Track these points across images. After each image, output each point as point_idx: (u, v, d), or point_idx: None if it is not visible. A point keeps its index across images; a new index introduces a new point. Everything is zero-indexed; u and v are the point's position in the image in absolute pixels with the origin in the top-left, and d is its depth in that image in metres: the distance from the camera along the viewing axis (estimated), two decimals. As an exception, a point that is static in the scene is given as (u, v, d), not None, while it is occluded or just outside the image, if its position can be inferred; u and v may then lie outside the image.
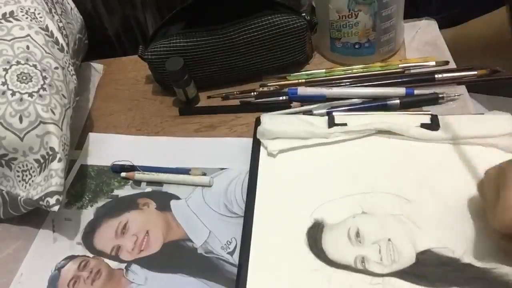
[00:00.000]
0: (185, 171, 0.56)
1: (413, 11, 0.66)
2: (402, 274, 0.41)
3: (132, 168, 0.58)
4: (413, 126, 0.51)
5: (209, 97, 0.65)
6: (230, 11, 0.59)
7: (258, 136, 0.54)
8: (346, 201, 0.47)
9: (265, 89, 0.64)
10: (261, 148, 0.53)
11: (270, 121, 0.54)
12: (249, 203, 0.49)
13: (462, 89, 0.58)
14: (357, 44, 0.62)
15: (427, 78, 0.59)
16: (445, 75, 0.58)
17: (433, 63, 0.61)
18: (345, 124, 0.53)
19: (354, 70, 0.63)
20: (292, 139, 0.53)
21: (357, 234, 0.44)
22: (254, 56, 0.62)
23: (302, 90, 0.60)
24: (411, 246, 0.43)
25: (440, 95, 0.56)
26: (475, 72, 0.58)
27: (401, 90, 0.58)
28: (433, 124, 0.51)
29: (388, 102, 0.57)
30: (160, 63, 0.62)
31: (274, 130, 0.53)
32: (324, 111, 0.57)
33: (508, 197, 0.36)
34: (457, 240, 0.42)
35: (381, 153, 0.51)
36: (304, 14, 0.61)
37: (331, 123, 0.53)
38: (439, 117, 0.52)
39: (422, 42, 0.66)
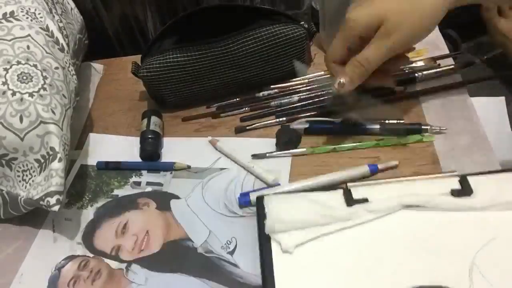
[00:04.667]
0: (170, 166, 0.57)
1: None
2: None
3: (116, 165, 0.59)
4: (443, 195, 0.44)
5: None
6: (225, 23, 0.58)
7: (267, 231, 0.45)
8: None
9: (266, 93, 0.63)
10: (273, 243, 0.45)
11: (278, 208, 0.46)
12: None
13: (463, 90, 0.58)
14: None
15: (409, 78, 0.59)
16: (425, 73, 0.59)
17: (422, 63, 0.62)
18: (366, 200, 0.46)
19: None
20: (308, 228, 0.45)
21: None
22: (254, 68, 0.61)
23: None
24: None
25: (424, 127, 0.54)
26: (452, 66, 0.59)
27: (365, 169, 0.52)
28: (465, 189, 0.44)
29: (368, 127, 0.55)
30: (155, 79, 0.60)
31: (286, 220, 0.45)
32: (303, 126, 0.57)
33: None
34: None
35: (413, 233, 0.43)
36: (302, 22, 0.60)
37: (350, 200, 0.46)
38: (469, 178, 0.45)
39: (422, 43, 0.66)
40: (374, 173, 0.52)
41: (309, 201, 0.46)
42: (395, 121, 0.55)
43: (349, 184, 0.48)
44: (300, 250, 0.44)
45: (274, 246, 0.45)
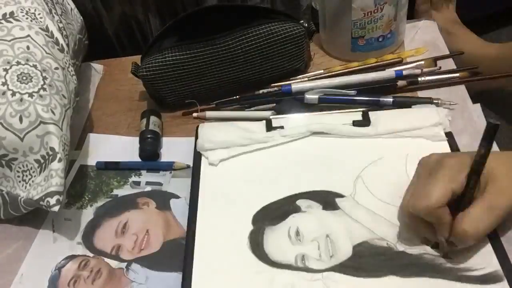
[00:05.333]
0: (169, 165, 0.58)
1: (410, 11, 0.66)
2: (340, 267, 0.43)
3: (116, 165, 0.59)
4: (345, 125, 0.54)
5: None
6: (225, 23, 0.58)
7: (198, 149, 0.55)
8: (284, 201, 0.49)
9: (265, 91, 0.64)
10: (202, 159, 0.54)
11: (208, 132, 0.55)
12: (192, 213, 0.49)
13: (462, 90, 0.58)
14: (380, 37, 0.62)
15: (412, 81, 0.59)
16: (428, 78, 0.59)
17: (422, 62, 0.62)
18: (282, 127, 0.55)
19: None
20: (232, 148, 0.54)
21: (297, 233, 0.46)
22: (252, 66, 0.61)
23: (296, 86, 0.61)
24: (348, 240, 0.45)
25: (435, 101, 0.56)
26: (457, 74, 0.59)
27: (391, 73, 0.59)
28: (364, 121, 0.54)
29: (381, 99, 0.57)
30: (155, 78, 0.60)
31: (214, 140, 0.54)
32: (316, 96, 0.58)
33: (432, 185, 0.39)
34: (390, 230, 0.45)
35: (317, 153, 0.53)
36: (302, 21, 0.61)
37: (269, 127, 0.55)
38: (370, 113, 0.55)
39: (422, 43, 0.66)
40: (399, 76, 0.59)
41: (235, 127, 0.56)
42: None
43: (270, 116, 0.57)
44: (224, 164, 0.53)
45: (203, 161, 0.54)
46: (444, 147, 0.51)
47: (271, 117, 0.57)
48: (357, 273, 0.42)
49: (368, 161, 0.51)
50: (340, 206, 0.48)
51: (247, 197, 0.50)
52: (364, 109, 0.56)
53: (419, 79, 0.59)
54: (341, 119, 0.55)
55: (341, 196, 0.48)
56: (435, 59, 0.62)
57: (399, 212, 0.46)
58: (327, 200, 0.48)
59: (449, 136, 0.52)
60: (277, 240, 0.46)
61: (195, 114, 0.63)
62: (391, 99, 0.57)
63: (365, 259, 0.43)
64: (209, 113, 0.62)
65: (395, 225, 0.45)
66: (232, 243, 0.46)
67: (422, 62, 0.61)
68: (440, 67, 0.61)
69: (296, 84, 0.61)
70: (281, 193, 0.49)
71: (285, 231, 0.46)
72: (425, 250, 0.43)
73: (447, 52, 0.64)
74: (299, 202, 0.48)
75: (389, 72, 0.60)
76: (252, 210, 0.48)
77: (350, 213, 0.47)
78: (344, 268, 0.43)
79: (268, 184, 0.51)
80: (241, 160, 0.54)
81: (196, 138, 0.56)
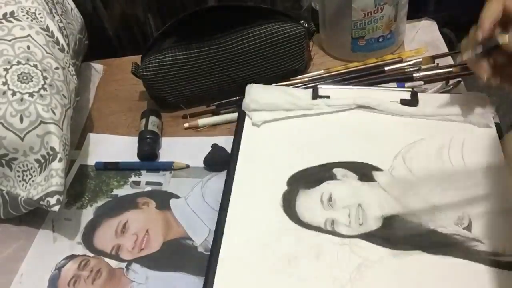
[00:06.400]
0: (168, 165, 0.58)
1: (410, 11, 0.66)
2: (368, 236, 0.44)
3: (115, 165, 0.59)
4: (393, 102, 0.54)
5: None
6: (225, 23, 0.58)
7: (243, 108, 0.55)
8: (322, 168, 0.50)
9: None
10: (246, 118, 0.55)
11: (256, 92, 0.56)
12: (231, 169, 0.51)
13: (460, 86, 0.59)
14: (380, 38, 0.62)
15: (407, 78, 0.59)
16: (422, 73, 0.59)
17: (421, 60, 0.61)
18: (328, 97, 0.55)
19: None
20: (276, 111, 0.55)
21: (330, 199, 0.47)
22: (253, 66, 0.61)
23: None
24: (379, 211, 0.46)
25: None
26: (451, 69, 0.59)
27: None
28: (413, 101, 0.54)
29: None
30: (155, 78, 0.60)
31: (260, 101, 0.55)
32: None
33: None
34: (423, 208, 0.45)
35: (360, 126, 0.53)
36: (302, 21, 0.61)
37: (315, 95, 0.55)
38: (419, 94, 0.54)
39: (422, 43, 0.66)
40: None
41: (282, 92, 0.57)
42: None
43: (318, 85, 0.57)
44: (267, 126, 0.54)
45: (247, 120, 0.55)
46: (492, 134, 0.50)
47: (318, 85, 0.57)
48: (385, 243, 0.43)
49: (410, 140, 0.51)
50: (376, 179, 0.48)
51: (285, 160, 0.51)
52: (412, 90, 0.56)
53: (414, 75, 0.59)
54: (388, 96, 0.55)
55: (379, 169, 0.49)
56: (433, 57, 0.62)
57: None
58: (364, 171, 0.49)
59: (497, 125, 0.51)
60: (309, 203, 0.47)
61: (186, 124, 0.62)
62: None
63: (394, 231, 0.44)
64: (201, 121, 0.62)
65: (429, 203, 0.45)
66: (265, 200, 0.48)
67: (420, 60, 0.61)
68: (438, 64, 0.61)
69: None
70: (319, 160, 0.50)
71: (318, 196, 0.47)
72: (457, 231, 0.43)
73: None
74: (336, 171, 0.49)
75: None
76: (289, 173, 0.50)
77: (385, 186, 0.47)
78: (372, 237, 0.44)
79: (307, 150, 0.51)
80: (283, 124, 0.54)
81: (244, 96, 0.57)
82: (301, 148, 0.52)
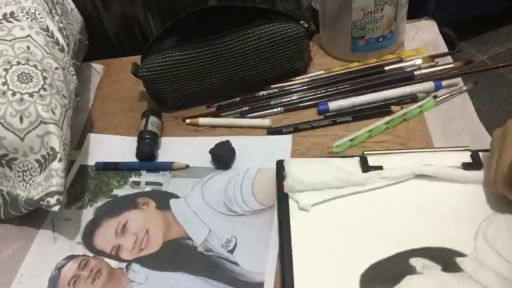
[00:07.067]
0: (168, 166, 0.58)
1: (410, 11, 0.66)
2: None
3: (115, 165, 0.59)
4: (456, 168, 0.47)
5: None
6: (225, 23, 0.58)
7: (286, 190, 0.49)
8: (396, 259, 0.42)
9: (266, 93, 0.64)
10: (290, 201, 0.48)
11: (298, 171, 0.49)
12: (286, 265, 0.44)
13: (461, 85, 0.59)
14: (380, 38, 0.62)
15: (408, 76, 0.60)
16: (423, 71, 0.59)
17: (420, 61, 0.62)
18: (380, 167, 0.48)
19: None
20: (324, 190, 0.48)
21: None
22: (253, 66, 0.61)
23: (333, 105, 0.59)
24: None
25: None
26: (452, 65, 0.59)
27: (429, 84, 0.58)
28: (475, 163, 0.47)
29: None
30: (155, 79, 0.60)
31: (305, 181, 0.48)
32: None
33: (503, 155, 0.38)
34: None
35: (424, 201, 0.46)
36: (302, 21, 0.61)
37: (365, 167, 0.49)
38: (480, 154, 0.48)
39: (422, 43, 0.66)
40: (438, 88, 0.57)
41: (327, 165, 0.49)
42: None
43: (365, 152, 0.51)
44: (316, 209, 0.47)
45: (292, 204, 0.48)
46: None
47: (365, 153, 0.50)
48: None
49: (485, 213, 0.44)
50: (463, 267, 0.41)
51: (349, 251, 0.43)
52: (471, 148, 0.49)
53: (415, 73, 0.59)
54: (447, 160, 0.48)
55: (462, 255, 0.42)
56: (432, 57, 0.62)
57: None
58: (446, 259, 0.41)
59: None
60: None
61: (188, 121, 0.62)
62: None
63: None
64: (202, 120, 0.62)
65: None
66: None
67: (420, 59, 0.62)
68: (437, 62, 0.61)
69: (333, 102, 0.59)
70: (389, 248, 0.43)
71: None
72: None
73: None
74: (413, 261, 0.42)
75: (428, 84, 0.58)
76: (358, 268, 0.42)
77: (476, 276, 0.40)
78: None
79: (370, 235, 0.44)
80: (335, 204, 0.47)
81: (279, 171, 0.51)
82: (363, 234, 0.44)
